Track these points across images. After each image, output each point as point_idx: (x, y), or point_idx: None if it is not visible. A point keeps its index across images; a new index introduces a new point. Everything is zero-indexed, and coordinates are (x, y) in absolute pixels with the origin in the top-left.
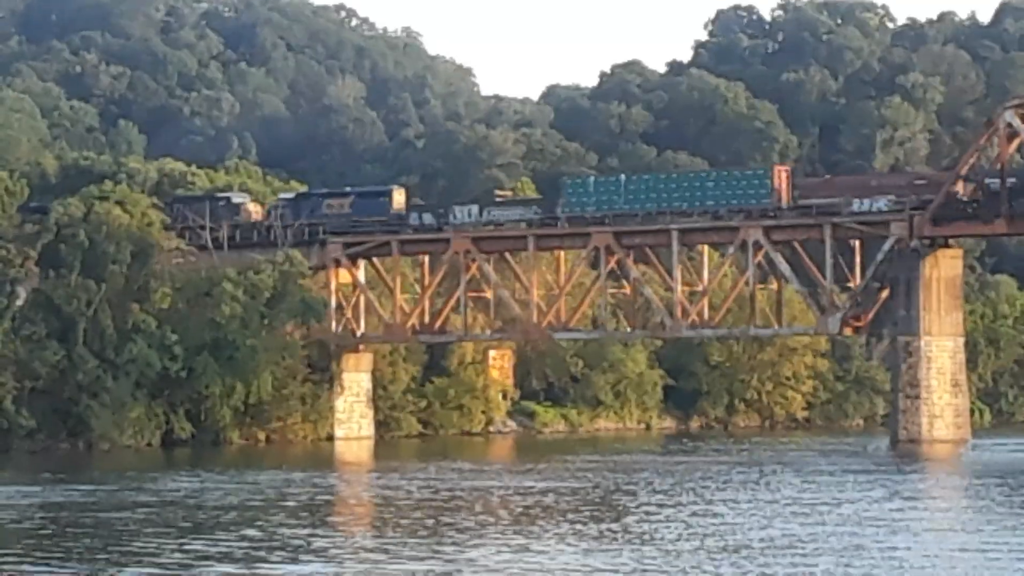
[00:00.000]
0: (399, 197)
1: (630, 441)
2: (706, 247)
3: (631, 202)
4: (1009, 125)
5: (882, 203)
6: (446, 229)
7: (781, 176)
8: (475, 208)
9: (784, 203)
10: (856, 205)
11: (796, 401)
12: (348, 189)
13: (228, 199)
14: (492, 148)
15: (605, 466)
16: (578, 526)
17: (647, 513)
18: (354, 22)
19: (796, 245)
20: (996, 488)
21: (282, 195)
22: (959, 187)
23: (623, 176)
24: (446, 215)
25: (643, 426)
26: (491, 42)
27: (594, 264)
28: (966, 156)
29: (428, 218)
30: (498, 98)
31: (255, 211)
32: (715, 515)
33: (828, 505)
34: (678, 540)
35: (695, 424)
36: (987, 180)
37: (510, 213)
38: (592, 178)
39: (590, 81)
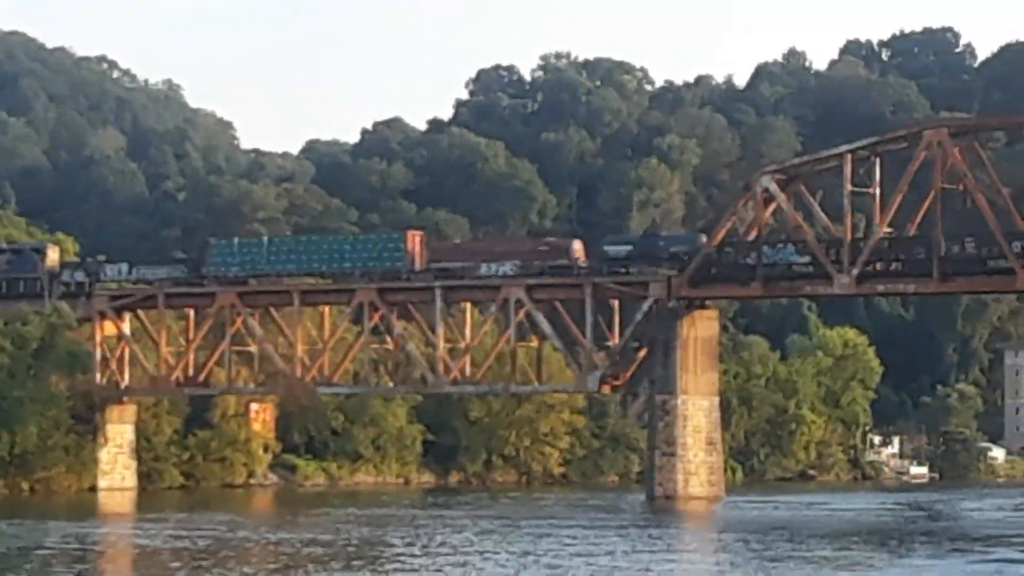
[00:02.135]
0: (53, 255)
1: (389, 495)
2: (468, 304)
3: (273, 264)
4: (766, 190)
5: (507, 267)
6: (96, 287)
7: (415, 240)
8: (125, 266)
9: (418, 266)
10: (484, 269)
11: (553, 457)
12: (4, 245)
13: None
14: (254, 202)
15: (363, 519)
16: None
17: (402, 564)
18: (116, 74)
19: (557, 304)
20: (746, 543)
21: None
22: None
23: (266, 238)
24: (97, 273)
25: (402, 480)
26: (251, 96)
27: (357, 319)
28: (723, 220)
29: (80, 275)
30: (259, 152)
31: None
32: (469, 565)
33: (581, 557)
34: None
35: (454, 478)
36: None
37: (158, 271)
38: (237, 239)
39: (351, 137)
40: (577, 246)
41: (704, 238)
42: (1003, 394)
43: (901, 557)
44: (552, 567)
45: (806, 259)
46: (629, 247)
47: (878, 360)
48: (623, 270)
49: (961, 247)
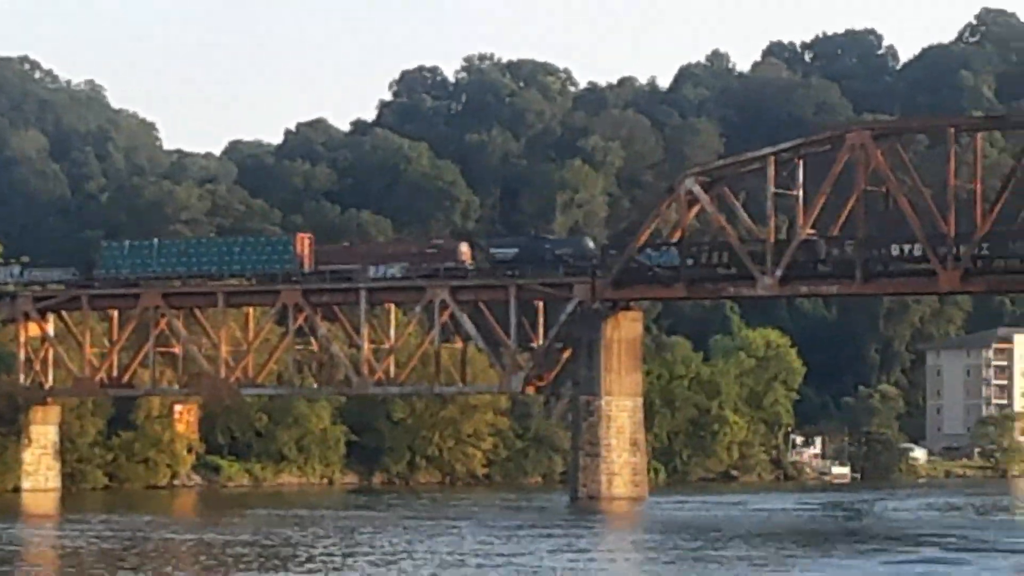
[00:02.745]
0: None
1: (312, 496)
2: (393, 305)
3: (164, 266)
4: (690, 192)
5: (395, 269)
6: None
7: (304, 243)
8: (17, 269)
9: (307, 268)
10: (372, 271)
11: (477, 458)
12: None
13: None
14: (177, 204)
15: (286, 520)
16: None
17: (323, 564)
18: (37, 74)
19: (481, 305)
20: (669, 543)
21: None
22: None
23: (156, 240)
24: None
25: (326, 481)
26: (173, 97)
27: (281, 321)
28: (647, 222)
29: None
30: (181, 153)
31: None
32: (392, 564)
33: (504, 556)
34: None
35: (377, 479)
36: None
37: (50, 275)
38: (128, 242)
39: (274, 138)
40: (464, 248)
41: (591, 242)
42: (924, 395)
43: (823, 556)
44: (474, 567)
45: (690, 262)
46: (515, 249)
47: (800, 361)
48: (510, 272)
49: (885, 250)
